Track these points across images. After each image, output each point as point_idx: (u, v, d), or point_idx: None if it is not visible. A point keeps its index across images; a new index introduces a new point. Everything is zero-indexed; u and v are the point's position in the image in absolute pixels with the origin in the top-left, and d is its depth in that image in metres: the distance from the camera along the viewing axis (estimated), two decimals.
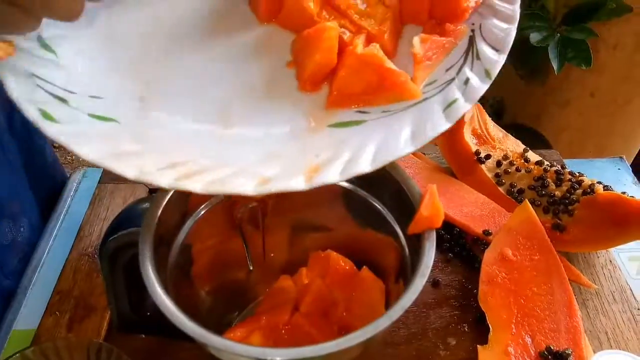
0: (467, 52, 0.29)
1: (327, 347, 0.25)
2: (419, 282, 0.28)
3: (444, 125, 0.26)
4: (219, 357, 0.28)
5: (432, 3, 0.31)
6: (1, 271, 0.54)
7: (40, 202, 0.61)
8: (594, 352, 0.47)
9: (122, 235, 0.33)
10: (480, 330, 0.50)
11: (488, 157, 0.60)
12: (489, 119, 0.63)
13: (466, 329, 0.50)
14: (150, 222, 0.31)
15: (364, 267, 0.40)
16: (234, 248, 0.41)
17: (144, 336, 0.48)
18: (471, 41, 0.29)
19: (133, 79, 0.29)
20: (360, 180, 0.38)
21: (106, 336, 0.49)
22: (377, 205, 0.37)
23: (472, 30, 0.30)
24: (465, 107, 0.26)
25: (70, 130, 0.27)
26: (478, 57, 0.28)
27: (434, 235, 0.30)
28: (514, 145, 0.62)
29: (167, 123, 0.27)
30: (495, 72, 0.28)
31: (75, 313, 0.50)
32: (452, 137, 0.61)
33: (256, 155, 0.26)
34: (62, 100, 0.29)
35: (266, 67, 0.30)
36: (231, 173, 0.25)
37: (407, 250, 0.35)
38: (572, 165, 0.64)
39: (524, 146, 0.62)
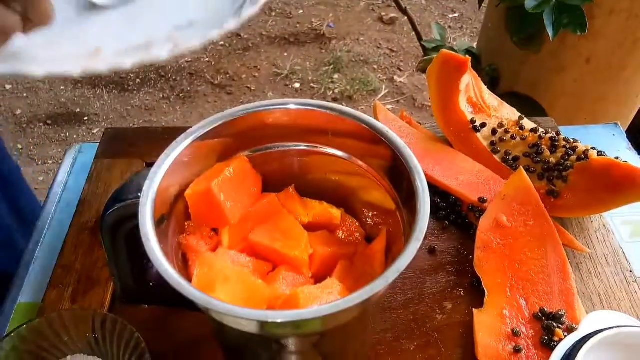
0: None
1: (326, 309, 0.26)
2: (414, 245, 0.28)
3: None
4: (221, 321, 0.28)
5: None
6: None
7: None
8: (587, 312, 0.48)
9: (121, 208, 0.33)
10: (475, 295, 0.51)
11: (483, 125, 0.60)
12: (484, 87, 0.63)
13: (462, 294, 0.51)
14: (149, 193, 0.31)
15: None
16: None
17: (147, 307, 0.49)
18: None
19: None
20: (355, 150, 0.38)
21: (110, 308, 0.50)
22: (372, 173, 0.38)
23: None
24: None
25: None
26: None
27: (428, 201, 0.31)
28: (509, 113, 0.63)
29: None
30: None
31: (78, 286, 0.51)
32: (447, 106, 0.61)
33: None
34: None
35: None
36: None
37: (403, 217, 0.36)
38: (568, 132, 0.64)
39: (519, 114, 0.62)
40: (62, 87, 1.94)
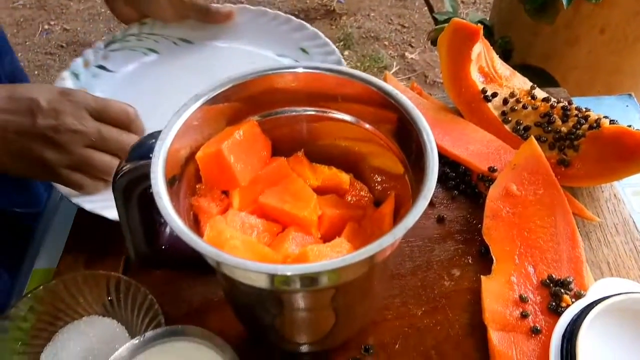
0: None
1: (334, 262, 0.26)
2: (422, 203, 0.29)
3: None
4: (232, 276, 0.29)
5: None
6: None
7: None
8: (595, 280, 0.48)
9: (133, 169, 0.34)
10: (483, 263, 0.51)
11: (495, 95, 0.60)
12: (496, 57, 0.63)
13: (470, 262, 0.52)
14: (160, 152, 0.32)
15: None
16: None
17: (159, 271, 0.50)
18: None
19: None
20: (364, 114, 0.38)
21: (123, 273, 0.51)
22: (381, 137, 0.38)
23: None
24: None
25: None
26: None
27: (436, 160, 0.31)
28: (521, 83, 0.62)
29: None
30: None
31: (92, 252, 0.52)
32: (458, 76, 0.60)
33: None
34: None
35: None
36: None
37: (412, 181, 0.36)
38: (580, 103, 0.63)
39: (531, 84, 0.61)
40: None
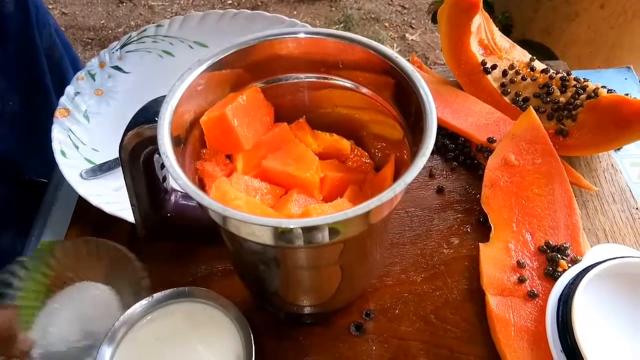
0: None
1: (335, 216, 0.27)
2: (420, 161, 0.29)
3: None
4: (237, 233, 0.30)
5: None
6: None
7: None
8: (592, 246, 0.49)
9: (140, 131, 0.35)
10: (482, 231, 0.52)
11: (494, 67, 0.60)
12: (495, 29, 0.63)
13: (469, 230, 0.53)
14: (165, 114, 0.32)
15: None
16: None
17: (165, 244, 0.51)
18: None
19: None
20: (365, 79, 0.39)
21: (129, 245, 0.51)
22: (380, 102, 0.38)
23: None
24: None
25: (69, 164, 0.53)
26: None
27: (435, 120, 0.31)
28: (520, 55, 0.62)
29: None
30: None
31: (99, 224, 0.53)
32: (458, 48, 0.61)
33: None
34: (76, 146, 0.57)
35: None
36: None
37: (411, 145, 0.37)
38: (579, 75, 0.63)
39: (530, 56, 0.62)
40: None
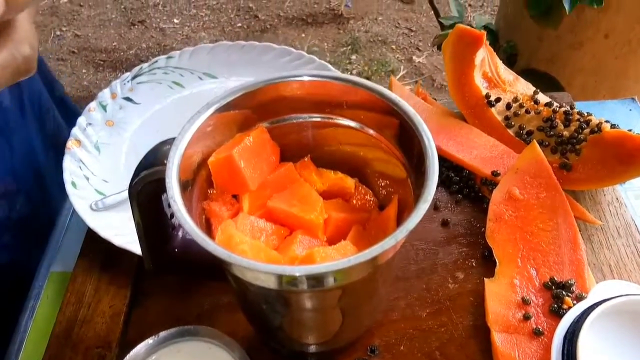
0: None
1: (339, 263, 0.27)
2: (423, 206, 0.30)
3: None
4: (242, 277, 0.31)
5: None
6: None
7: None
8: (597, 283, 0.49)
9: (149, 174, 0.35)
10: (487, 266, 0.52)
11: (498, 100, 0.61)
12: (499, 62, 0.64)
13: (474, 264, 0.53)
14: (174, 158, 0.33)
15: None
16: None
17: (172, 277, 0.51)
18: None
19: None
20: (368, 120, 0.40)
21: (137, 278, 0.52)
22: (384, 142, 0.39)
23: None
24: None
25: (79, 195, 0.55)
26: None
27: (437, 164, 0.32)
28: (524, 88, 0.63)
29: None
30: None
31: (107, 256, 0.54)
32: (462, 81, 0.62)
33: None
34: (86, 177, 0.58)
35: None
36: None
37: (414, 185, 0.37)
38: (584, 107, 0.64)
39: (534, 88, 0.62)
40: (84, 71, 1.99)
